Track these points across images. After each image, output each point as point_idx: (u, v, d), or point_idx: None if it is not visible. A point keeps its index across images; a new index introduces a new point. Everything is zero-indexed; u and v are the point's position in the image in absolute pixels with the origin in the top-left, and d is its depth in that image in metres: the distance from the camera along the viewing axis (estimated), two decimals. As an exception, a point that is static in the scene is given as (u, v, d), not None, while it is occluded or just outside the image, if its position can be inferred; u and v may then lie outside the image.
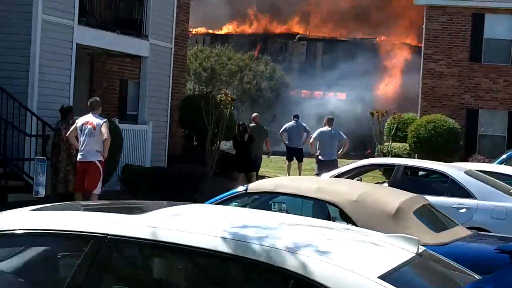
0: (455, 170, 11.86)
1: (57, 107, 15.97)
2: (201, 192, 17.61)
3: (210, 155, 19.13)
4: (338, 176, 12.66)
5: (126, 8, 18.67)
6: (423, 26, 28.49)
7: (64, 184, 14.28)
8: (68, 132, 13.86)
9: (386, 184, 13.75)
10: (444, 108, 28.15)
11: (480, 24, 27.45)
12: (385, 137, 27.87)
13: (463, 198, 11.22)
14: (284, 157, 27.92)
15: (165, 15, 19.40)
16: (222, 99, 19.39)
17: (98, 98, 14.02)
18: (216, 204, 7.84)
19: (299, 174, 26.19)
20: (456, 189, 11.46)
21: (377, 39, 43.46)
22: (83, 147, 13.57)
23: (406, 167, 12.32)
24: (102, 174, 13.64)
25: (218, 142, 19.58)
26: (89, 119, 13.61)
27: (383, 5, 46.11)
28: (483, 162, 26.81)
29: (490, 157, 26.90)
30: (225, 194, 8.02)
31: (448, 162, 24.52)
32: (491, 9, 27.51)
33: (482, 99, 27.86)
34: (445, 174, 11.78)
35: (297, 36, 45.50)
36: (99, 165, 13.56)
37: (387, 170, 13.94)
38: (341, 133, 18.69)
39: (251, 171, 20.13)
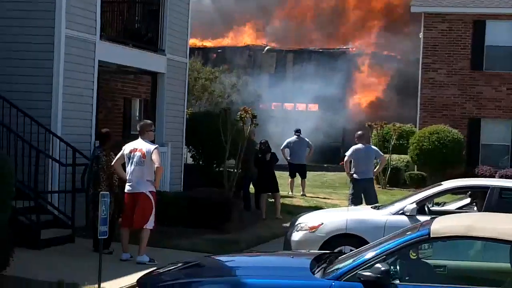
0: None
1: (81, 131, 14.48)
2: (232, 219, 16.29)
3: (228, 177, 17.85)
4: (421, 201, 11.58)
5: (141, 22, 17.15)
6: (421, 35, 27.52)
7: (105, 218, 12.64)
8: (114, 161, 12.23)
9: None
10: (444, 118, 27.24)
11: (481, 31, 26.63)
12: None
13: None
14: (282, 173, 26.52)
15: (180, 27, 17.87)
16: (242, 116, 18.07)
17: (149, 121, 12.41)
18: (392, 252, 6.63)
19: (303, 191, 25.00)
20: None
21: (350, 48, 42.43)
22: (131, 177, 12.00)
23: (503, 189, 11.24)
24: (154, 206, 12.09)
25: (237, 164, 18.23)
26: (138, 146, 12.02)
27: (351, 16, 45.33)
28: (490, 172, 25.99)
29: (495, 167, 26.11)
30: (400, 241, 6.73)
31: (452, 173, 23.76)
32: (493, 15, 26.71)
33: (485, 108, 27.02)
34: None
35: (266, 48, 44.22)
36: (150, 196, 11.97)
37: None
38: (378, 149, 17.46)
39: (275, 191, 18.78)
